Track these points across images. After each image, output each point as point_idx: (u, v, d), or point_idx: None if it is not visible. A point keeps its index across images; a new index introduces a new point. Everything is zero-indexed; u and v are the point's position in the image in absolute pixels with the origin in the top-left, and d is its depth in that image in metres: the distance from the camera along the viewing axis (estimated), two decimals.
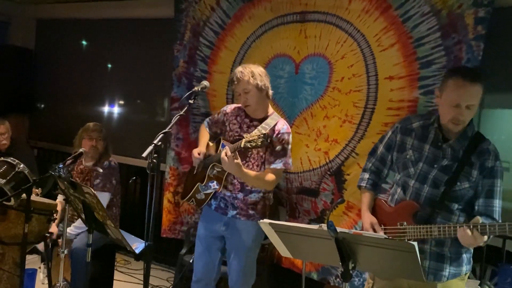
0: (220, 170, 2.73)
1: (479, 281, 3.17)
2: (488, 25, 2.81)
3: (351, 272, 1.87)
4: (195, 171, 2.95)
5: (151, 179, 2.22)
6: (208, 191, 2.81)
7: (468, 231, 1.99)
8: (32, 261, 4.05)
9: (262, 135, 2.44)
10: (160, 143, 2.21)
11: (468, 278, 3.31)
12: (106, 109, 5.35)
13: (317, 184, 3.48)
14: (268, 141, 2.52)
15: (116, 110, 5.31)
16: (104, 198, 3.46)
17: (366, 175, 2.51)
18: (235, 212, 2.80)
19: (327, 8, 3.39)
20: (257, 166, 2.76)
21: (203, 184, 2.80)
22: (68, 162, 2.89)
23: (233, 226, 2.81)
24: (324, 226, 1.84)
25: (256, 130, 2.67)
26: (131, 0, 4.89)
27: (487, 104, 3.46)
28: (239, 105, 2.89)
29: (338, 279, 3.40)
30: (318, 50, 3.45)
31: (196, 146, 2.98)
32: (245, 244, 2.80)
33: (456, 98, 2.10)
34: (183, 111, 2.48)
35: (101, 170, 3.42)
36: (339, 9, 3.34)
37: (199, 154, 2.85)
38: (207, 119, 3.07)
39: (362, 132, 3.25)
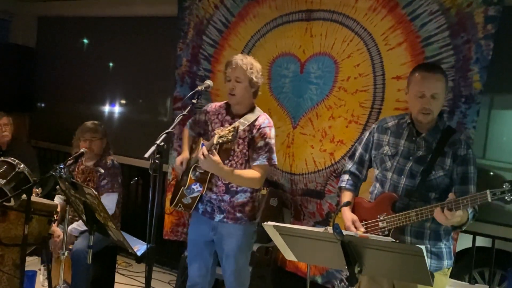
0: (202, 171, 2.68)
1: (488, 286, 3.16)
2: (498, 23, 2.79)
3: (357, 276, 1.86)
4: (181, 176, 2.91)
5: (153, 180, 2.21)
6: (194, 195, 2.75)
7: (439, 209, 2.08)
8: (32, 263, 4.05)
9: (232, 129, 2.41)
10: (162, 143, 2.20)
11: (477, 283, 3.32)
12: (108, 108, 5.36)
13: (323, 186, 3.48)
14: (238, 134, 2.46)
15: (118, 109, 5.32)
16: (113, 198, 3.46)
17: (346, 177, 2.60)
18: (222, 216, 2.74)
19: (333, 6, 3.38)
20: (241, 164, 2.69)
21: (186, 187, 2.74)
22: (69, 162, 2.89)
23: (220, 231, 2.75)
24: (329, 229, 1.83)
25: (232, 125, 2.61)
26: None
27: (497, 105, 3.45)
28: (220, 103, 2.85)
29: (342, 283, 3.39)
30: (323, 49, 3.44)
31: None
32: (234, 248, 2.75)
33: (421, 88, 2.25)
34: (186, 111, 2.47)
35: (102, 171, 3.41)
36: (345, 7, 3.33)
37: (181, 163, 2.81)
38: (189, 121, 3.00)
39: None
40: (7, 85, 5.33)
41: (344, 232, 1.80)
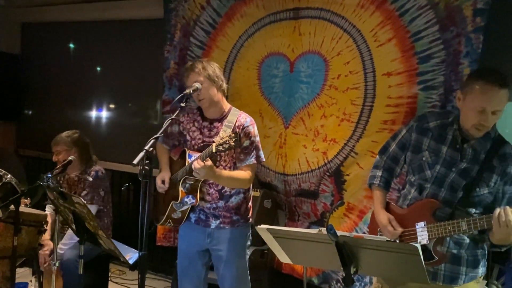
0: (193, 182, 2.64)
1: (486, 281, 3.16)
2: (488, 16, 2.80)
3: (353, 276, 1.86)
4: (164, 192, 2.82)
5: (143, 186, 2.20)
6: (184, 208, 2.69)
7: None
8: (23, 274, 4.02)
9: (233, 135, 2.38)
10: (151, 149, 2.19)
11: None
12: (96, 113, 5.32)
13: (316, 186, 3.47)
14: (240, 138, 2.46)
15: (107, 114, 5.28)
16: (91, 210, 3.43)
17: (379, 173, 2.43)
18: (218, 221, 2.71)
19: (321, 3, 3.38)
20: (229, 167, 2.68)
21: (178, 201, 2.66)
22: (57, 171, 2.86)
23: (218, 237, 2.72)
24: (323, 230, 1.82)
25: (221, 131, 2.60)
26: (119, 1, 4.86)
27: None
28: (192, 109, 2.80)
29: (339, 284, 3.38)
30: (313, 47, 3.44)
31: None
32: (234, 253, 2.73)
33: (482, 103, 2.03)
34: (175, 114, 2.46)
35: (91, 179, 3.38)
36: (333, 4, 3.33)
37: (163, 182, 2.74)
38: (160, 136, 2.71)
39: (361, 131, 3.24)
40: None
41: (339, 233, 1.79)
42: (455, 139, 2.18)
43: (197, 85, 2.65)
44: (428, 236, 2.15)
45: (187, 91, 2.58)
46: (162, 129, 2.37)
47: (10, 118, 5.61)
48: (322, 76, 3.41)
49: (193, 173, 2.54)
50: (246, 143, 2.66)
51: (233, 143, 2.38)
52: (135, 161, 2.14)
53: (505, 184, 2.11)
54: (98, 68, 5.32)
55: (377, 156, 2.52)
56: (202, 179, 2.62)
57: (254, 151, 2.67)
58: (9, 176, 2.97)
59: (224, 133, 2.54)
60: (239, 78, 3.80)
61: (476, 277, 2.23)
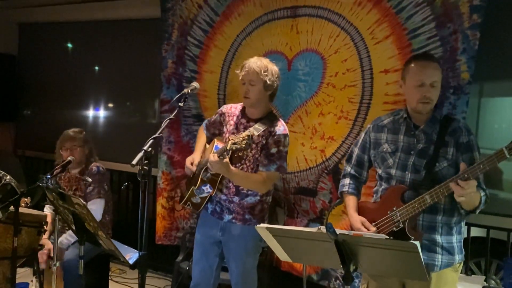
0: (213, 173, 2.70)
1: (484, 276, 3.18)
2: (484, 13, 2.80)
3: (352, 274, 1.86)
4: (192, 175, 2.92)
5: (143, 186, 2.20)
6: (203, 195, 2.78)
7: (454, 183, 2.06)
8: (24, 274, 4.01)
9: (247, 137, 2.40)
10: (150, 149, 2.19)
11: (473, 273, 3.34)
12: (95, 113, 5.32)
13: (315, 184, 3.48)
14: (252, 142, 2.48)
15: (105, 114, 5.28)
16: (100, 204, 3.44)
17: (347, 181, 2.58)
18: (230, 216, 2.77)
19: (318, 1, 3.38)
20: (252, 169, 2.71)
21: (196, 187, 2.76)
22: (56, 171, 2.86)
23: (229, 231, 2.78)
24: (323, 228, 1.82)
25: (246, 131, 2.62)
26: (116, 1, 4.85)
27: (487, 92, 3.46)
28: (237, 104, 2.86)
29: (338, 281, 3.39)
30: (310, 46, 3.44)
31: (189, 150, 2.96)
32: (242, 250, 2.77)
33: (419, 77, 2.25)
34: (173, 114, 2.47)
35: (89, 180, 3.38)
36: (330, 2, 3.33)
37: (192, 163, 2.80)
38: (206, 121, 3.04)
39: (359, 128, 3.24)
40: None
41: (338, 231, 1.80)
42: (408, 127, 2.36)
43: (195, 84, 2.66)
44: (401, 219, 2.26)
45: (185, 90, 2.59)
46: (161, 129, 2.39)
47: (8, 118, 5.61)
48: (319, 74, 3.41)
49: (208, 165, 2.57)
50: (273, 150, 2.67)
51: (244, 145, 2.40)
52: (134, 162, 2.14)
53: (462, 153, 2.26)
54: (96, 68, 5.31)
55: (344, 165, 2.65)
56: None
57: (279, 161, 2.67)
58: (8, 177, 2.96)
59: (247, 132, 2.54)
60: (237, 77, 3.77)
61: (453, 264, 2.30)
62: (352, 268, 1.86)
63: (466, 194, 2.07)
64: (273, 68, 2.71)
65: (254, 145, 2.67)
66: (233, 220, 2.77)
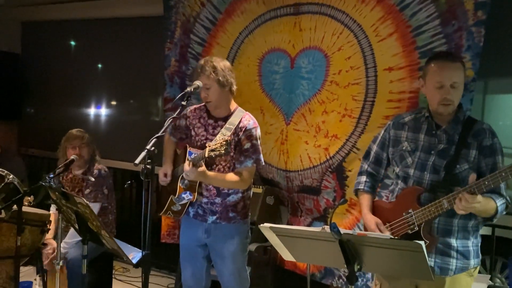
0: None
1: (489, 275, 3.16)
2: (489, 9, 2.78)
3: (356, 274, 1.85)
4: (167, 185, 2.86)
5: (146, 185, 2.19)
6: (183, 202, 2.72)
7: (466, 195, 2.01)
8: (28, 273, 4.02)
9: (224, 142, 2.36)
10: (153, 148, 2.18)
11: (478, 272, 3.31)
12: (98, 111, 5.32)
13: (319, 182, 3.46)
14: (230, 147, 2.47)
15: (108, 112, 5.28)
16: (94, 208, 3.42)
17: (363, 178, 2.52)
18: (214, 217, 2.72)
19: None
20: (229, 168, 2.67)
21: (176, 196, 2.71)
22: (59, 170, 2.85)
23: (214, 233, 2.73)
24: (327, 228, 1.81)
25: (219, 134, 2.60)
26: None
27: (491, 89, 3.44)
28: (199, 105, 2.81)
29: (341, 280, 3.38)
30: (313, 43, 3.42)
31: None
32: (230, 249, 2.72)
33: (439, 78, 2.17)
34: (176, 113, 2.45)
35: (93, 179, 3.38)
36: None
37: (165, 175, 2.77)
38: (169, 127, 2.85)
39: (363, 126, 3.22)
40: None
41: (342, 231, 1.79)
42: (430, 126, 2.29)
43: (198, 83, 2.63)
44: (416, 222, 2.21)
45: (188, 89, 2.57)
46: (164, 128, 2.36)
47: (12, 117, 5.61)
48: (323, 71, 3.39)
49: (183, 174, 2.55)
50: (246, 145, 2.64)
51: (223, 151, 2.37)
52: (137, 161, 2.13)
53: (485, 157, 2.19)
54: (99, 66, 5.31)
55: (361, 162, 2.59)
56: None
57: (255, 155, 2.65)
58: (11, 176, 2.96)
59: (220, 136, 2.54)
60: (240, 75, 3.74)
61: (467, 269, 2.24)
62: (356, 267, 1.84)
63: (467, 208, 2.02)
64: (221, 64, 2.65)
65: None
66: (218, 220, 2.72)
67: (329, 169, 3.40)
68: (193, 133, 2.78)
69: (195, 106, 2.85)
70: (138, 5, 4.65)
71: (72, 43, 5.49)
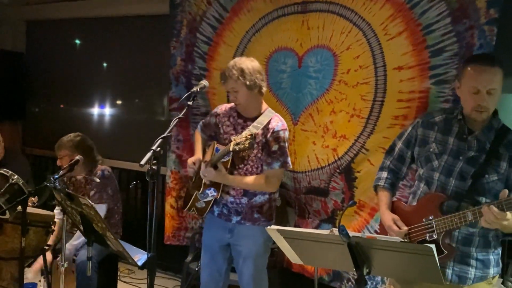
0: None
1: (502, 279, 3.13)
2: (501, 7, 2.75)
3: (365, 277, 1.84)
4: (193, 179, 2.91)
5: (151, 186, 2.19)
6: (208, 199, 2.76)
7: (494, 209, 1.94)
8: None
9: (249, 136, 2.40)
10: (159, 149, 2.18)
11: None
12: (102, 111, 5.33)
13: (326, 183, 3.45)
14: (255, 141, 2.49)
15: (113, 111, 5.29)
16: (101, 210, 3.42)
17: (384, 174, 2.46)
18: (239, 217, 2.76)
19: None
20: (257, 168, 2.71)
21: (200, 192, 2.75)
22: (64, 171, 2.86)
23: (238, 233, 2.77)
24: (335, 231, 1.80)
25: (246, 130, 2.62)
26: None
27: (504, 89, 3.39)
28: (230, 104, 2.85)
29: (350, 283, 3.37)
30: (321, 42, 3.41)
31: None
32: (253, 250, 2.76)
33: (475, 83, 2.10)
34: (182, 113, 2.45)
35: (98, 180, 3.38)
36: None
37: (194, 163, 2.81)
38: (200, 123, 3.04)
39: (372, 127, 3.21)
40: None
41: (351, 234, 1.77)
42: (461, 130, 2.21)
43: (204, 83, 2.64)
44: (436, 230, 2.16)
45: (194, 89, 2.59)
46: (170, 128, 2.37)
47: (16, 117, 5.63)
48: (331, 71, 3.38)
49: (201, 174, 2.56)
50: (274, 147, 2.67)
51: (247, 145, 2.42)
52: (142, 162, 2.13)
53: None
54: (104, 65, 5.32)
55: (384, 157, 2.53)
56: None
57: (282, 157, 2.67)
58: (16, 176, 2.97)
59: (246, 132, 2.54)
60: None
61: (486, 278, 2.20)
62: (365, 271, 1.83)
63: (494, 224, 1.96)
64: (250, 65, 2.67)
65: (255, 145, 2.66)
66: (242, 221, 2.76)
67: (337, 170, 3.39)
68: (221, 131, 2.83)
69: (226, 104, 2.90)
70: (144, 3, 4.65)
71: (77, 42, 5.50)
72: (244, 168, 2.70)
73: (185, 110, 2.48)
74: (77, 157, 3.12)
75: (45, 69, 5.63)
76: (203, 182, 2.75)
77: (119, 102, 5.28)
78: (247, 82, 2.63)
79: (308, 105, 3.50)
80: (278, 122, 2.70)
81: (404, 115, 3.08)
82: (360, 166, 3.28)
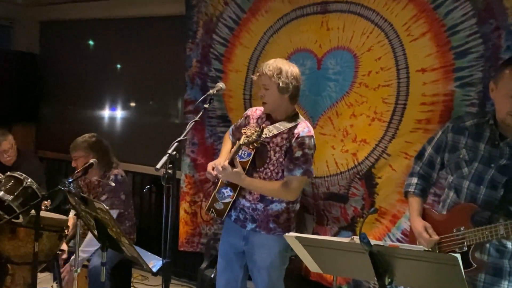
0: None
1: None
2: None
3: (387, 287, 1.83)
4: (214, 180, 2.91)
5: (166, 191, 2.21)
6: (225, 200, 2.74)
7: None
8: (45, 279, 4.09)
9: (258, 128, 2.41)
10: (174, 152, 2.19)
11: None
12: (116, 113, 5.38)
13: (346, 189, 3.44)
14: (262, 134, 2.47)
15: (127, 114, 5.33)
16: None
17: (414, 180, 2.46)
18: (254, 225, 2.72)
19: None
20: (277, 173, 2.67)
21: (217, 190, 2.75)
22: (78, 175, 2.89)
23: (252, 241, 2.73)
24: (356, 239, 1.80)
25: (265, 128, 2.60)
26: None
27: None
28: (261, 107, 2.84)
29: None
30: (342, 43, 3.40)
31: (213, 152, 2.95)
32: (267, 261, 2.71)
33: None
34: (198, 116, 2.46)
35: (113, 184, 3.40)
36: None
37: (213, 168, 2.76)
38: (232, 126, 3.02)
39: (394, 131, 3.19)
40: (11, 94, 5.36)
41: (372, 242, 1.77)
42: (493, 136, 2.18)
43: (220, 85, 2.65)
44: (466, 242, 2.14)
45: (211, 91, 2.59)
46: (186, 131, 2.38)
47: (29, 119, 5.70)
48: (351, 73, 3.37)
49: (218, 173, 2.57)
50: (297, 153, 2.62)
51: (254, 137, 2.42)
52: (158, 166, 2.14)
53: None
54: (118, 67, 5.37)
55: (413, 163, 2.52)
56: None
57: (305, 165, 2.62)
58: (29, 180, 3.02)
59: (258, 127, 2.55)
60: None
61: None
62: (387, 281, 1.82)
63: None
64: (290, 69, 2.65)
65: (278, 148, 2.64)
66: (257, 229, 2.71)
67: (357, 176, 3.37)
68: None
69: (258, 107, 2.89)
70: (159, 4, 4.69)
71: (91, 43, 5.56)
72: (264, 172, 2.66)
73: (201, 113, 2.49)
74: (91, 161, 3.15)
75: (58, 71, 5.69)
76: (220, 180, 2.73)
77: (133, 104, 5.32)
78: (280, 83, 2.60)
79: (327, 108, 3.50)
80: (304, 128, 2.65)
81: (428, 119, 3.06)
82: (381, 172, 3.27)
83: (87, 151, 3.48)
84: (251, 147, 2.60)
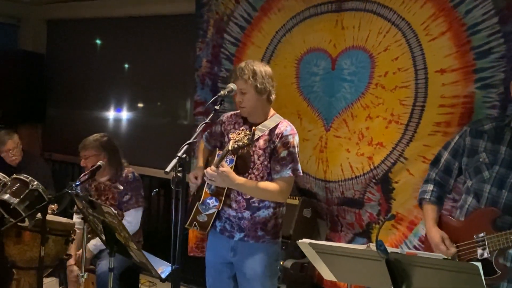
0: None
1: None
2: None
3: None
4: (195, 192, 2.85)
5: (176, 195, 2.21)
6: (209, 211, 2.69)
7: None
8: (50, 285, 4.12)
9: (248, 132, 2.39)
10: (184, 155, 2.20)
11: None
12: (124, 114, 5.40)
13: (361, 194, 3.42)
14: (254, 137, 2.46)
15: (135, 115, 5.36)
16: (139, 214, 3.49)
17: (430, 187, 2.44)
18: (242, 234, 2.68)
19: None
20: (262, 177, 2.64)
21: (201, 202, 2.69)
22: (85, 178, 2.91)
23: (241, 251, 2.69)
24: (372, 246, 1.79)
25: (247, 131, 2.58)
26: None
27: None
28: (236, 112, 2.81)
29: None
30: (357, 43, 3.40)
31: None
32: (257, 271, 2.67)
33: None
34: (209, 118, 2.47)
35: (121, 187, 3.43)
36: None
37: (196, 178, 2.75)
38: (205, 133, 2.97)
39: (411, 134, 3.18)
40: (17, 94, 5.39)
41: (389, 249, 1.76)
42: None
43: (232, 86, 2.64)
44: (488, 248, 2.12)
45: (222, 92, 2.58)
46: (196, 134, 2.38)
47: (36, 120, 5.74)
48: (367, 73, 3.37)
49: (207, 180, 2.55)
50: (283, 153, 2.61)
51: (246, 141, 2.40)
52: (167, 169, 2.14)
53: None
54: (126, 67, 5.40)
55: (429, 169, 2.51)
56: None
57: (292, 164, 2.61)
58: (35, 182, 3.04)
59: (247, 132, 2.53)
60: (276, 77, 3.66)
61: None
62: None
63: None
64: (263, 69, 2.65)
65: (261, 151, 2.63)
66: (245, 238, 2.68)
67: (373, 180, 3.36)
68: (226, 139, 2.79)
69: (232, 112, 2.87)
70: (168, 2, 4.70)
71: (99, 42, 5.60)
72: (248, 177, 2.63)
73: (211, 115, 2.50)
74: (99, 163, 3.17)
75: (65, 71, 5.73)
76: (204, 191, 2.70)
77: (141, 105, 5.35)
78: (258, 85, 2.60)
79: (342, 110, 3.49)
80: (286, 127, 2.65)
81: (447, 121, 3.04)
82: (398, 176, 3.25)
83: (99, 150, 3.50)
84: (233, 153, 2.58)
